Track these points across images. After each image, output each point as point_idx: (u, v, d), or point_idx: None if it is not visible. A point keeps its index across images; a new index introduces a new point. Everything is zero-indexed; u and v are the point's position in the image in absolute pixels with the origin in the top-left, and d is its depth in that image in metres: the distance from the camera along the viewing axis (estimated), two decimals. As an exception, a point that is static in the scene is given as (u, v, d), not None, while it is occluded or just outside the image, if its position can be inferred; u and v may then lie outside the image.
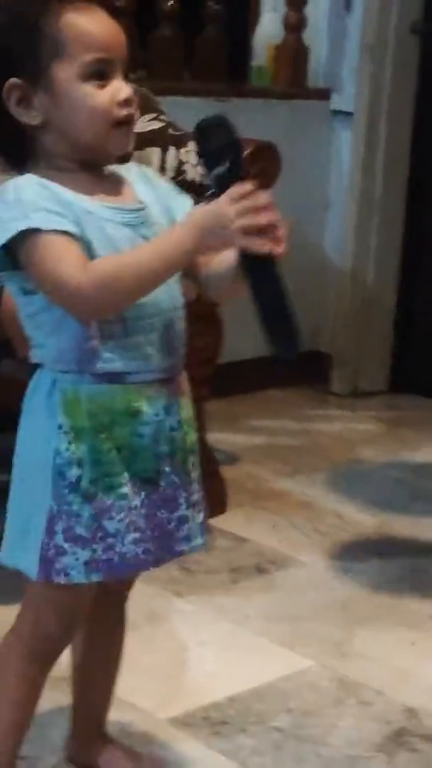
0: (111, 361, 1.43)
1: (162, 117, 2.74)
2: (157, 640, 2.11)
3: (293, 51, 3.64)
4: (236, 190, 1.35)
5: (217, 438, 2.98)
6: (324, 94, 3.69)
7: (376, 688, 1.97)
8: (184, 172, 2.66)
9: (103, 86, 1.40)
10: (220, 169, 1.38)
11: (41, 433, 1.46)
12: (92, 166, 1.44)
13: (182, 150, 2.68)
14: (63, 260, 1.36)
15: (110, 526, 1.45)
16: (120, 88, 1.41)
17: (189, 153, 2.68)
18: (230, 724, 1.84)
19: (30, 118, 1.41)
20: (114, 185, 1.47)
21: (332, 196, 3.74)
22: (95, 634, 1.63)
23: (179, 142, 2.69)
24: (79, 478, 1.44)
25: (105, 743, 1.70)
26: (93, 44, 1.39)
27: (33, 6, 1.41)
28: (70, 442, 1.44)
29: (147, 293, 1.41)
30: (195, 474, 1.53)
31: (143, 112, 2.71)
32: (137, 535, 1.46)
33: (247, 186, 1.36)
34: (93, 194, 1.42)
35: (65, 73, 1.39)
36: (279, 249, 1.36)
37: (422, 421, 3.45)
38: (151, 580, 2.32)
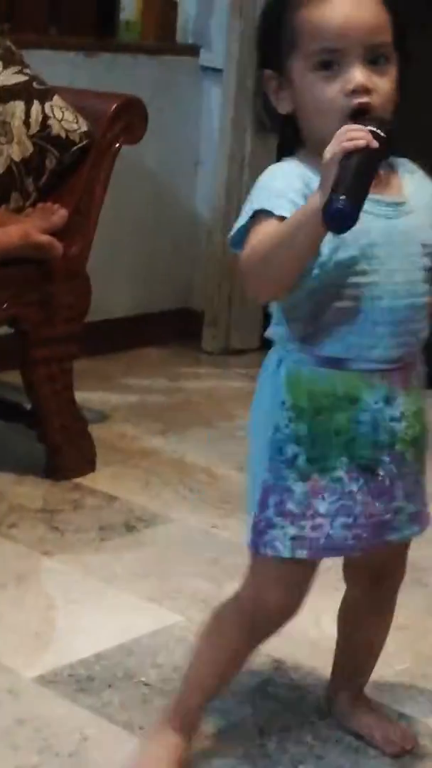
0: (332, 346, 1.45)
1: (26, 71, 2.69)
2: (25, 599, 2.09)
3: (162, 5, 3.61)
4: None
5: (89, 397, 2.96)
6: (193, 50, 3.67)
7: (243, 641, 1.98)
8: (49, 126, 2.62)
9: (332, 77, 1.38)
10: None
11: (265, 407, 1.51)
12: None
13: (47, 104, 2.63)
14: (254, 236, 1.39)
15: (321, 506, 1.48)
16: (349, 79, 1.37)
17: (54, 107, 2.64)
18: (97, 680, 1.84)
19: (281, 107, 1.45)
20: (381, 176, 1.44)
21: (202, 153, 3.72)
22: (363, 619, 1.66)
23: (44, 96, 2.65)
24: (295, 456, 1.48)
25: (363, 707, 1.72)
26: (319, 34, 1.38)
27: (277, 2, 1.45)
28: (290, 420, 1.48)
29: (291, 266, 1.39)
30: (417, 466, 1.54)
31: (6, 65, 2.66)
32: (349, 520, 1.49)
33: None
34: None
35: (298, 65, 1.41)
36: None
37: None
38: (18, 540, 2.30)
